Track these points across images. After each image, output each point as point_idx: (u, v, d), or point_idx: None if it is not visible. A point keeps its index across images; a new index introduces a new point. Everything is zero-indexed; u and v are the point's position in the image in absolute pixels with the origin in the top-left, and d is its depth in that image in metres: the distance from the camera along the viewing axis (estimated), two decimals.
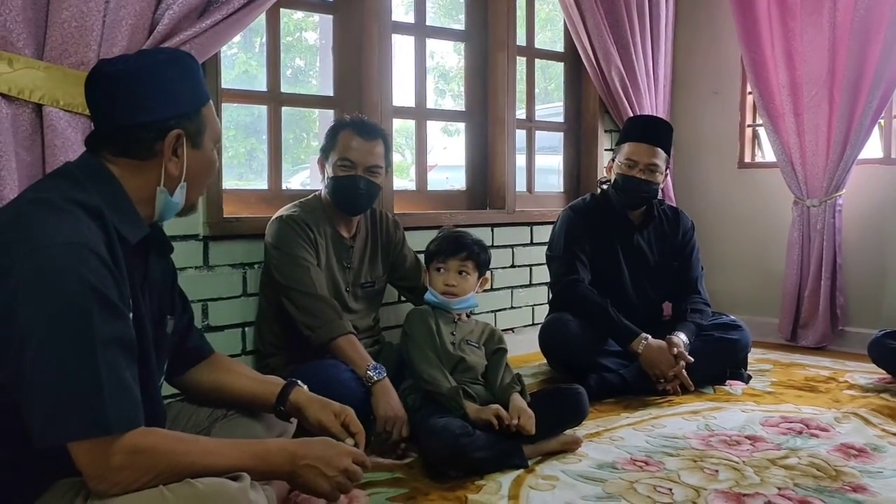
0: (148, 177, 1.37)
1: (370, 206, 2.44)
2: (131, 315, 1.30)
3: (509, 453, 1.99)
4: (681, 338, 2.68)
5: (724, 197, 3.98)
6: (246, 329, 2.51)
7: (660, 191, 2.91)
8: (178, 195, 1.41)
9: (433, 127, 3.28)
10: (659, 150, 2.82)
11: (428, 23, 3.28)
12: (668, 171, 2.90)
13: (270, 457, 1.38)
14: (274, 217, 2.36)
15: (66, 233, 1.20)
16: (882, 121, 3.55)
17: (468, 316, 2.39)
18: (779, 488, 1.85)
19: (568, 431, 2.17)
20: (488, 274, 2.41)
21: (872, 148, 3.59)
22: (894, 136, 3.56)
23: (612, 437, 2.25)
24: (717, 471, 1.96)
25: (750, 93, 3.91)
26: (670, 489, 1.84)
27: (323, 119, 2.71)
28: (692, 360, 2.63)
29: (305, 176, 8.29)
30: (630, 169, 2.81)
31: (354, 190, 2.32)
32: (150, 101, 1.35)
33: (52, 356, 1.15)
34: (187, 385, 1.68)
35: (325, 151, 2.38)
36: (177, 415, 1.66)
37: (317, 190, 2.49)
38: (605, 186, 3.00)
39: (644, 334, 2.68)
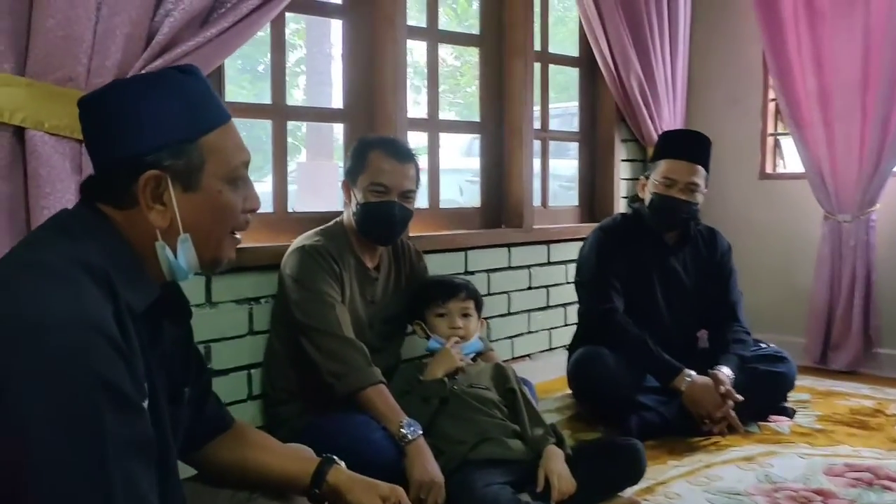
0: (145, 228, 1.10)
1: (402, 233, 2.21)
2: (147, 402, 1.06)
3: None
4: (725, 373, 2.47)
5: (744, 209, 3.77)
6: (252, 371, 2.25)
7: (699, 210, 2.69)
8: (182, 251, 1.12)
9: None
10: (699, 167, 2.61)
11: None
12: (706, 189, 2.68)
13: None
14: (294, 247, 2.11)
15: (68, 309, 0.94)
16: None
17: (473, 360, 2.21)
18: None
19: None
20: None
21: None
22: None
23: (668, 493, 2.03)
24: None
25: (772, 100, 3.72)
26: None
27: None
28: (741, 398, 2.42)
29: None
30: (668, 188, 2.59)
31: (389, 217, 2.09)
32: (118, 132, 1.08)
33: (55, 469, 0.90)
34: (205, 462, 1.42)
35: (353, 175, 2.13)
36: (191, 501, 1.41)
37: (339, 213, 2.25)
38: (636, 205, 2.78)
39: (687, 370, 2.46)
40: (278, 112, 2.46)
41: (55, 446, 0.91)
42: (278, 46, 2.46)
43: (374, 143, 2.14)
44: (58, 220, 1.13)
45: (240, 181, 1.17)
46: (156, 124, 1.08)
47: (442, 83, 10.51)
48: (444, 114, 10.62)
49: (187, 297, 1.30)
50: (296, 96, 11.35)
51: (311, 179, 9.16)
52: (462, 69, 11.77)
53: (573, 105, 3.82)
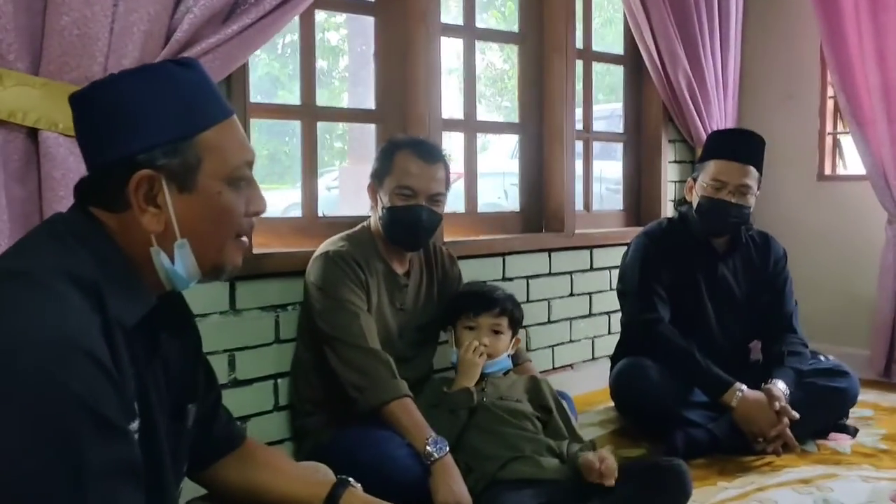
0: (140, 233, 1.03)
1: (430, 239, 2.11)
2: (137, 423, 0.99)
3: None
4: (780, 388, 2.30)
5: (801, 213, 3.57)
6: (279, 381, 2.17)
7: (750, 214, 2.52)
8: (180, 257, 1.04)
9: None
10: (751, 168, 2.45)
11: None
12: (758, 192, 2.52)
13: None
14: (318, 252, 2.03)
15: (49, 326, 0.88)
16: None
17: (504, 375, 2.10)
18: None
19: None
20: (521, 333, 2.22)
21: None
22: None
23: None
24: None
25: (831, 97, 3.51)
26: None
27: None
28: (797, 416, 2.25)
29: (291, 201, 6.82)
30: (717, 191, 2.43)
31: (416, 222, 1.99)
32: (109, 129, 1.01)
33: (30, 495, 0.84)
34: (211, 482, 1.35)
35: (379, 177, 2.05)
36: None
37: (366, 217, 2.17)
38: (682, 209, 2.63)
39: (738, 384, 2.30)
40: (307, 112, 2.38)
41: (30, 471, 0.84)
42: (307, 45, 2.38)
43: (402, 144, 2.05)
44: (49, 225, 1.08)
45: (242, 182, 1.10)
46: (149, 121, 1.02)
47: (489, 86, 10.30)
48: (492, 116, 10.50)
49: (190, 308, 1.23)
50: (346, 101, 11.38)
51: (353, 184, 9.15)
52: (510, 72, 11.67)
53: (621, 107, 3.68)
